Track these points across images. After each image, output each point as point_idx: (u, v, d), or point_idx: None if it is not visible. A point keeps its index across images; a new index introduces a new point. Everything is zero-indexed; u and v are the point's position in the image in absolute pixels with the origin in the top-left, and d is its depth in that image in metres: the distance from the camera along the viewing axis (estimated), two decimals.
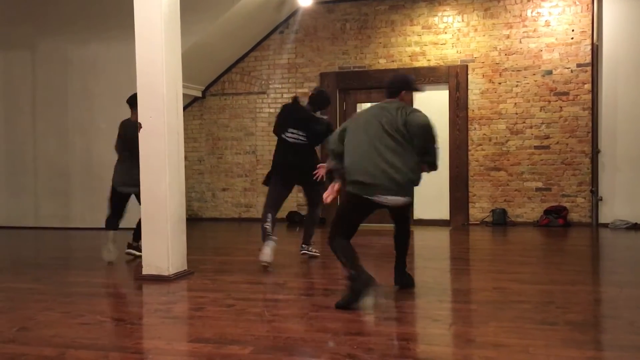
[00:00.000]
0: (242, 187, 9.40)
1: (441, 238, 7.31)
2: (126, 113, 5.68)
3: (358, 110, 9.27)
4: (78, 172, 8.61)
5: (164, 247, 4.67)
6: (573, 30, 7.95)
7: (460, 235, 7.40)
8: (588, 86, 7.91)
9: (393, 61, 8.63)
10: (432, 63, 8.47)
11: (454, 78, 8.34)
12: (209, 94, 9.51)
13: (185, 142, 5.47)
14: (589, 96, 7.91)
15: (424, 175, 3.96)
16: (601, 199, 7.90)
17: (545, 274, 4.84)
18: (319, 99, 5.47)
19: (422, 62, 8.51)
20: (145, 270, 4.72)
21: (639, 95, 7.78)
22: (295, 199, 9.04)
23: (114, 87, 8.07)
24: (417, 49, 8.53)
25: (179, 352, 2.93)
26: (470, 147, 8.35)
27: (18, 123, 8.85)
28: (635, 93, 7.80)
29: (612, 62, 7.84)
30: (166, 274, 4.65)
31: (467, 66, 8.32)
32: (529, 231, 7.55)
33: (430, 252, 6.32)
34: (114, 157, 5.78)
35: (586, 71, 7.92)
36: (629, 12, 7.81)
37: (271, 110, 9.21)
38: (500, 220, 8.11)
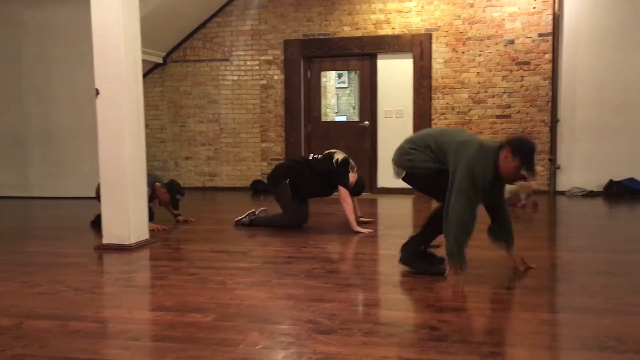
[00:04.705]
0: (206, 155, 9.30)
1: (404, 206, 7.40)
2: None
3: (322, 78, 9.20)
4: (36, 141, 8.38)
5: (124, 216, 4.61)
6: (535, 0, 8.00)
7: (423, 204, 7.48)
8: (549, 56, 8.01)
9: (357, 29, 8.56)
10: (397, 31, 8.43)
11: (418, 47, 8.33)
12: (170, 60, 9.31)
13: (146, 109, 5.35)
14: (550, 66, 8.02)
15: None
16: (559, 168, 8.08)
17: None
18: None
19: (386, 30, 8.46)
20: (106, 240, 4.65)
21: (598, 66, 7.92)
22: (260, 168, 9.03)
23: (71, 52, 7.83)
24: (382, 17, 8.48)
25: (140, 321, 2.92)
26: (433, 116, 8.41)
27: None
28: (594, 63, 7.94)
29: (572, 32, 7.94)
30: (127, 243, 4.60)
31: (431, 35, 8.32)
32: None
33: (393, 220, 6.39)
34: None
35: (547, 41, 8.00)
36: None
37: (234, 78, 9.08)
38: None
